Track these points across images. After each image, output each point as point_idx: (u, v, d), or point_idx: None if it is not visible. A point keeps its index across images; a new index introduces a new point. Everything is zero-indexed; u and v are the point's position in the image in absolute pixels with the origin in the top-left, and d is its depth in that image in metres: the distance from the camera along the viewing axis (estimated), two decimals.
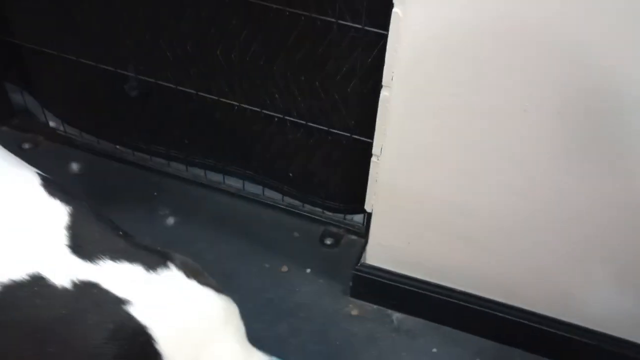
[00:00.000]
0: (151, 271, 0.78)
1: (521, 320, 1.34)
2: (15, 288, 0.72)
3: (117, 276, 0.76)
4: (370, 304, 1.48)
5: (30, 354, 0.72)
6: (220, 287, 0.86)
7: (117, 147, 1.74)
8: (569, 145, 1.04)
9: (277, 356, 0.92)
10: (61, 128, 1.76)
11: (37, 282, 0.73)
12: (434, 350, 1.41)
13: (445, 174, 1.16)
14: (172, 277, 0.80)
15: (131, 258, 0.78)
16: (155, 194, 1.67)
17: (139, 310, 0.74)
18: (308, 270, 1.54)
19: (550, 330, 1.32)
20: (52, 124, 1.77)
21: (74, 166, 1.71)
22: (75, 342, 0.72)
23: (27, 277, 0.73)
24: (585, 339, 1.30)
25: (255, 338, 0.92)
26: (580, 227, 1.14)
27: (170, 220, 1.60)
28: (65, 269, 0.74)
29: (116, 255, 0.78)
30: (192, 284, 0.81)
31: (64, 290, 0.73)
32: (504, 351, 1.42)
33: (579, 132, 1.02)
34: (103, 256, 0.77)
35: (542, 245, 1.20)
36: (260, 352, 0.91)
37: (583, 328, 1.30)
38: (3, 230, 0.75)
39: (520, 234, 1.20)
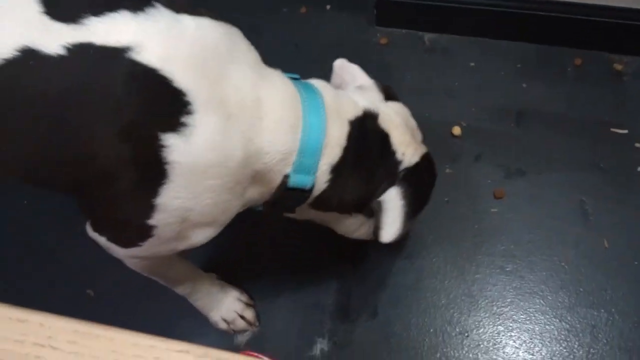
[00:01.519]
0: (139, 12, 0.73)
1: (565, 15, 1.25)
2: (10, 67, 0.68)
3: (107, 29, 0.71)
4: (399, 29, 1.40)
5: (49, 135, 0.71)
6: (216, 14, 0.81)
7: None
8: None
9: None
10: None
11: (30, 57, 0.68)
12: (472, 64, 1.37)
13: None
14: (162, 13, 0.75)
15: (113, 7, 0.72)
16: None
17: (143, 55, 0.71)
18: (328, 7, 1.44)
19: (598, 19, 1.24)
20: None
21: None
22: (93, 106, 0.71)
23: (17, 53, 0.67)
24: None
25: None
26: None
27: None
28: (53, 37, 0.69)
29: (96, 9, 0.72)
30: (186, 17, 0.77)
31: (61, 57, 0.68)
32: (547, 52, 1.37)
33: None
34: (84, 14, 0.71)
35: None
36: (278, 70, 0.89)
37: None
38: None
39: None
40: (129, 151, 0.73)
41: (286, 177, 0.87)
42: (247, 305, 1.16)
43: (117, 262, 0.92)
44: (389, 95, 1.02)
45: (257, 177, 0.86)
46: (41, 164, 0.75)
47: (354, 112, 0.92)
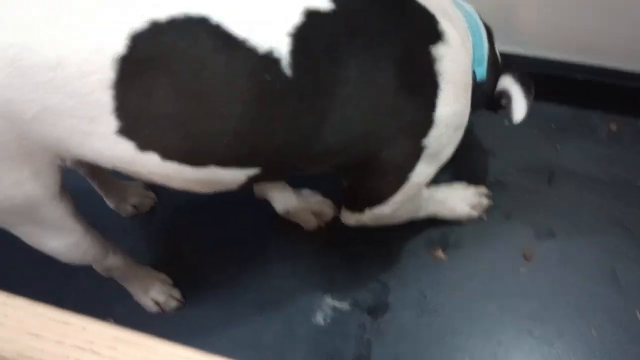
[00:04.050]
0: None
1: (601, 80, 1.27)
2: (321, 18, 0.76)
3: None
4: None
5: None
6: None
7: None
8: None
9: None
10: None
11: (311, 15, 0.76)
12: (506, 122, 1.38)
13: None
14: None
15: None
16: None
17: None
18: None
19: (633, 85, 1.26)
20: None
21: None
22: (367, 44, 0.79)
23: (303, 17, 0.75)
24: None
25: None
26: None
27: None
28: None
29: None
30: None
31: (332, 10, 0.77)
32: (583, 115, 1.38)
33: None
34: None
35: None
36: None
37: None
38: None
39: None
40: (407, 75, 0.82)
41: (474, 74, 0.96)
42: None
43: None
44: None
45: None
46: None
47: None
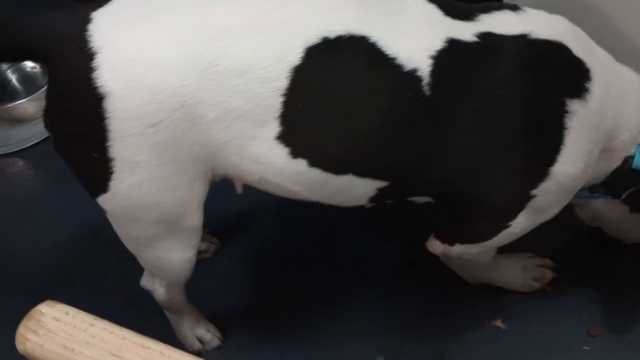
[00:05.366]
0: (518, 11, 0.88)
1: None
2: (445, 55, 0.82)
3: (499, 22, 0.85)
4: None
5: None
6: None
7: None
8: None
9: None
10: None
11: (455, 45, 0.82)
12: None
13: None
14: (528, 10, 0.89)
15: (494, 8, 0.88)
16: None
17: (540, 34, 0.85)
18: None
19: None
20: None
21: None
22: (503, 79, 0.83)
23: (445, 44, 0.82)
24: None
25: None
26: None
27: None
28: (464, 30, 0.84)
29: (484, 10, 0.87)
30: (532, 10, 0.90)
31: (475, 43, 0.83)
32: None
33: None
34: (475, 14, 0.86)
35: None
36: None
37: None
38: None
39: None
40: (534, 119, 0.83)
41: (628, 157, 0.94)
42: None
43: None
44: None
45: (604, 154, 0.93)
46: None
47: None
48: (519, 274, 1.21)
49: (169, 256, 0.96)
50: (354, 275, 1.30)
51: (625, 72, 0.94)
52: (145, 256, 0.97)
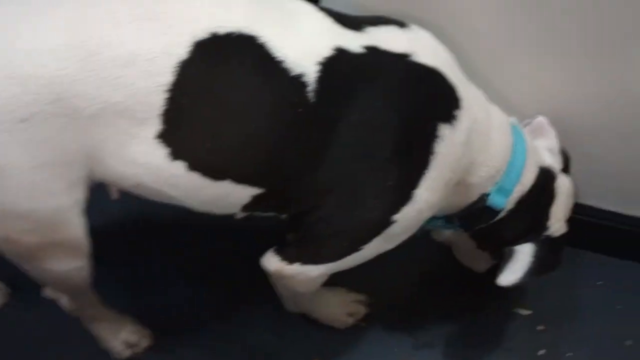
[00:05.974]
0: (404, 28, 0.90)
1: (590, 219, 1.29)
2: (332, 61, 0.81)
3: (386, 38, 0.87)
4: None
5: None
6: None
7: None
8: None
9: None
10: None
11: (342, 54, 0.83)
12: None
13: None
14: (416, 29, 0.91)
15: (382, 22, 0.90)
16: None
17: (421, 59, 0.86)
18: None
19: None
20: None
21: None
22: (378, 93, 0.84)
23: (334, 52, 0.82)
24: None
25: None
26: None
27: None
28: (352, 40, 0.84)
29: (372, 22, 0.89)
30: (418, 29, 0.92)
31: (362, 54, 0.84)
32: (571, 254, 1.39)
33: None
34: (364, 25, 0.87)
35: None
36: None
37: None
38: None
39: None
40: (405, 140, 0.84)
41: (484, 195, 0.96)
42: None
43: None
44: (565, 168, 1.09)
45: (460, 187, 0.94)
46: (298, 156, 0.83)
47: (542, 163, 1.01)
48: (336, 309, 1.19)
49: (54, 268, 0.87)
50: None
51: (493, 112, 0.96)
52: (29, 268, 0.89)
